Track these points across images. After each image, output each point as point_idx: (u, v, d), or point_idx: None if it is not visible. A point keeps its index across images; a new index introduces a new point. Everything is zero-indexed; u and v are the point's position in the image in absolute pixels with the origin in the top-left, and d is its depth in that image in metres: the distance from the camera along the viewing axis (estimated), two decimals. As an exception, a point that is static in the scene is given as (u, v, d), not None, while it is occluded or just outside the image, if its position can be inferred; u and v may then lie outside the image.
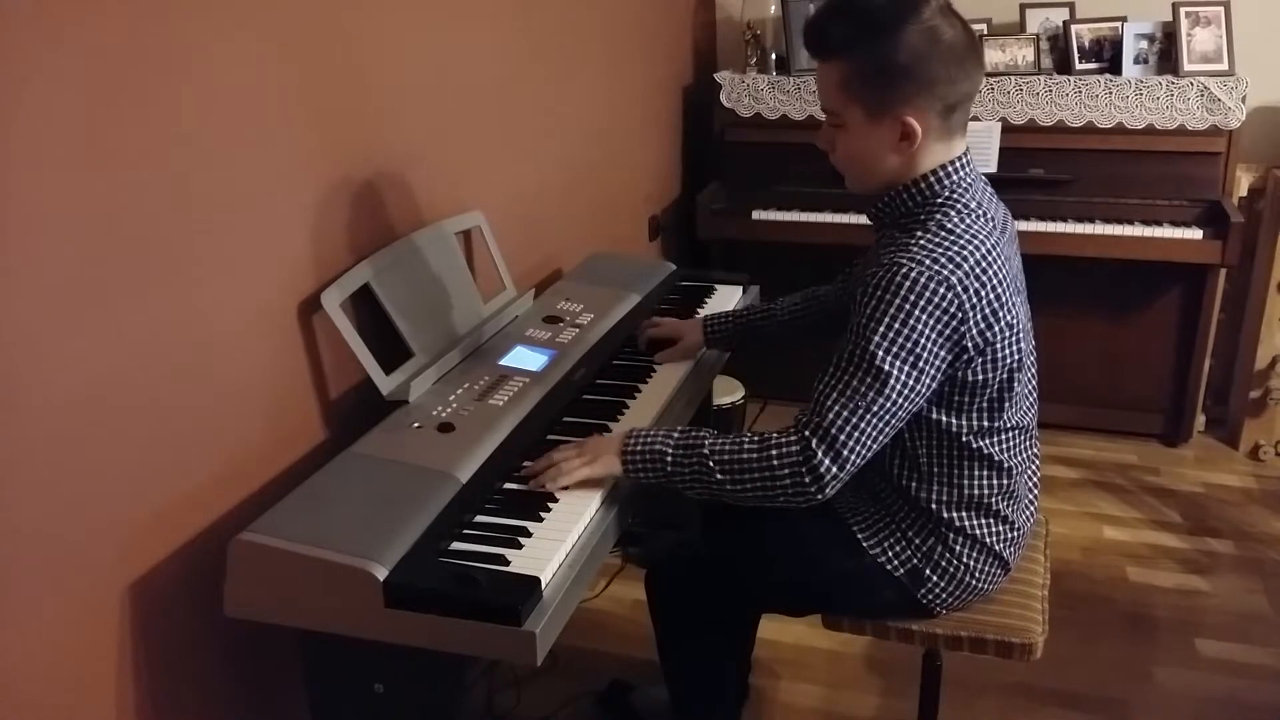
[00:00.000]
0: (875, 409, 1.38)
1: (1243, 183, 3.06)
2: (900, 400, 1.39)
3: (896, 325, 1.37)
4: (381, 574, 1.25)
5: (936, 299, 1.36)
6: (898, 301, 1.37)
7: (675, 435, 1.49)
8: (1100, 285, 3.12)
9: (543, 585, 1.27)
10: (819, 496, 1.42)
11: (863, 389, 1.38)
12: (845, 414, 1.39)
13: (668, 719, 1.90)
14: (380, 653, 1.32)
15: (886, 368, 1.37)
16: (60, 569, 1.24)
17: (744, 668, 2.08)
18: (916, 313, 1.36)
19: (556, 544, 1.36)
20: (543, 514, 1.43)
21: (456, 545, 1.36)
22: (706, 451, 1.45)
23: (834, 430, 1.39)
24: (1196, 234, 2.85)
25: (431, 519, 1.37)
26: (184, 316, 1.40)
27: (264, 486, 1.57)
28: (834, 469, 1.39)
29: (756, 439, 1.44)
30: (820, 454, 1.39)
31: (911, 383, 1.39)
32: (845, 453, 1.39)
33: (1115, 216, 2.95)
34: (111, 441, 1.30)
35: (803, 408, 1.45)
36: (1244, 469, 3.09)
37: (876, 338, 1.37)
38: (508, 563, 1.32)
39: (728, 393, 2.85)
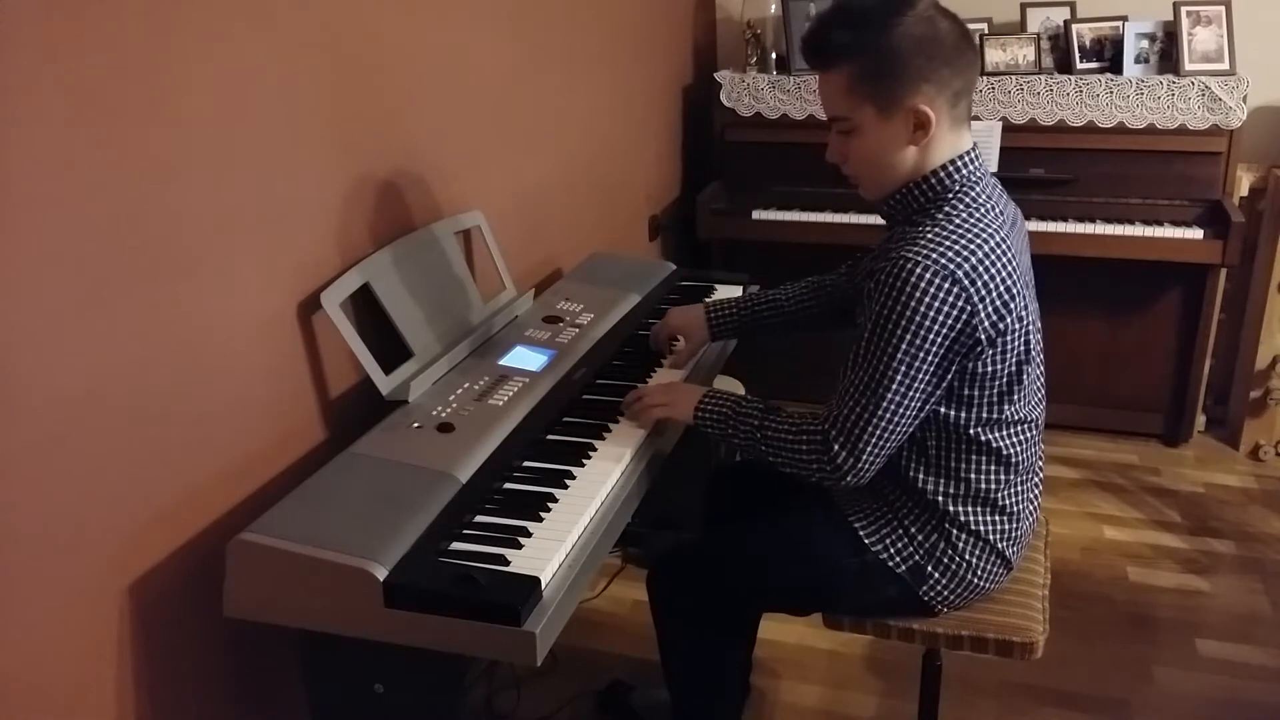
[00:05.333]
0: (892, 405, 1.43)
1: (1243, 182, 3.06)
2: (916, 395, 1.43)
3: (905, 321, 1.39)
4: (381, 574, 1.25)
5: (943, 293, 1.38)
6: (905, 297, 1.38)
7: (743, 403, 1.60)
8: (1100, 285, 3.12)
9: (543, 585, 1.27)
10: (841, 483, 1.49)
11: (877, 386, 1.42)
12: (859, 410, 1.44)
13: (667, 719, 1.90)
14: (380, 653, 1.32)
15: (897, 364, 1.40)
16: (60, 569, 1.24)
17: (745, 667, 2.08)
18: (924, 308, 1.38)
19: (556, 544, 1.36)
20: (543, 514, 1.43)
21: (456, 545, 1.36)
22: (757, 423, 1.56)
23: (848, 423, 1.45)
24: (1197, 234, 2.85)
25: (431, 519, 1.37)
26: (184, 317, 1.40)
27: (264, 486, 1.57)
28: (852, 461, 1.46)
29: (795, 422, 1.53)
30: (836, 445, 1.46)
31: (925, 378, 1.42)
32: (863, 446, 1.45)
33: (1116, 216, 2.95)
34: (112, 441, 1.30)
35: (830, 399, 1.50)
36: (1244, 469, 3.09)
37: (888, 334, 1.40)
38: (508, 563, 1.32)
39: (728, 392, 2.85)
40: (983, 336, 1.42)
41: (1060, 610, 2.15)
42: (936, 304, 1.38)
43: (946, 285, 1.38)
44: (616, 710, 2.12)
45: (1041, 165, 3.04)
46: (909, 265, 1.39)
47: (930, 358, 1.40)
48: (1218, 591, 2.51)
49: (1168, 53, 3.03)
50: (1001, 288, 1.42)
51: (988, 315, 1.41)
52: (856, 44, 1.44)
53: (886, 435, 1.44)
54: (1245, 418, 3.13)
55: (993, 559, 1.59)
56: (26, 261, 1.17)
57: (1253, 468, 3.10)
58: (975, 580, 1.58)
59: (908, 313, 1.38)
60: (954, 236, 1.41)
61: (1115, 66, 3.07)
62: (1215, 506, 2.88)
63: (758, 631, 2.03)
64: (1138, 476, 3.05)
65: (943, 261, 1.38)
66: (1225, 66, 2.94)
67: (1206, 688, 2.18)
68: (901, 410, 1.43)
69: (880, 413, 1.43)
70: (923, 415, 1.47)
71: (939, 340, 1.40)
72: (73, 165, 1.21)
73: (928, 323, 1.38)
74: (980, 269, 1.40)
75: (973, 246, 1.41)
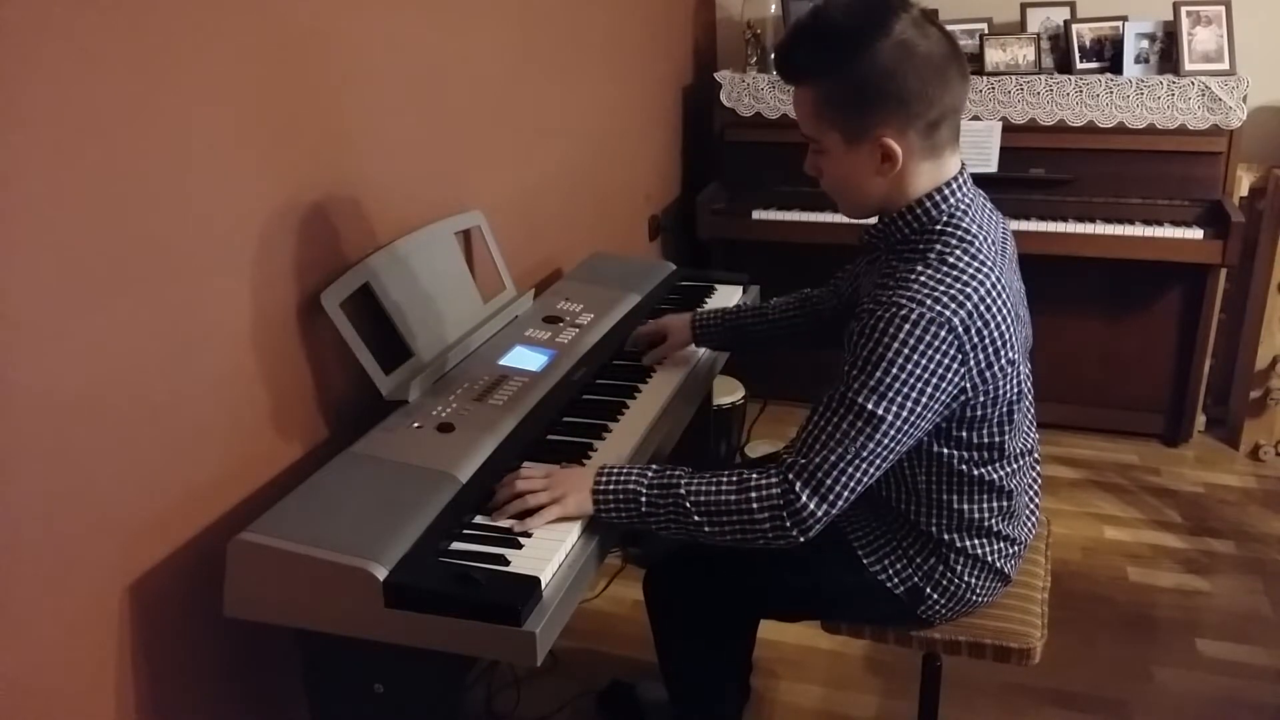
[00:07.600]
0: (865, 453, 1.33)
1: (1243, 182, 3.05)
2: (890, 444, 1.34)
3: (894, 370, 1.31)
4: (381, 574, 1.25)
5: (936, 342, 1.30)
6: (896, 345, 1.30)
7: (650, 474, 1.42)
8: (1100, 285, 3.12)
9: (543, 585, 1.27)
10: (800, 539, 1.37)
11: (853, 433, 1.33)
12: (833, 458, 1.34)
13: (668, 718, 1.90)
14: (380, 653, 1.32)
15: (880, 413, 1.32)
16: (60, 569, 1.24)
17: (744, 668, 2.08)
18: (915, 357, 1.30)
19: (557, 544, 1.36)
20: (543, 514, 1.43)
21: (456, 545, 1.36)
22: (683, 492, 1.39)
23: (819, 474, 1.34)
24: (1197, 234, 2.85)
25: (431, 519, 1.37)
26: (184, 317, 1.40)
27: (264, 486, 1.57)
28: (817, 512, 1.35)
29: (735, 478, 1.39)
30: (804, 497, 1.35)
31: (905, 426, 1.34)
32: (830, 496, 1.35)
33: (1116, 216, 2.95)
34: (111, 441, 1.30)
35: (788, 446, 1.41)
36: (1244, 469, 3.09)
37: (872, 382, 1.32)
38: (508, 563, 1.32)
39: (728, 393, 2.85)
40: (969, 385, 1.36)
41: (1060, 611, 2.15)
42: (930, 351, 1.30)
43: (942, 334, 1.30)
44: (617, 710, 2.12)
45: (1041, 165, 3.04)
46: (902, 311, 1.30)
47: (917, 408, 1.32)
48: (1218, 591, 2.51)
49: (1168, 53, 3.03)
50: (995, 335, 1.34)
51: (976, 364, 1.35)
52: (824, 67, 1.35)
53: (859, 482, 1.35)
54: (1245, 418, 3.13)
55: (991, 577, 1.58)
56: (26, 263, 1.17)
57: (1253, 468, 3.10)
58: (972, 598, 1.57)
59: (900, 360, 1.30)
60: (950, 278, 1.33)
61: (1115, 66, 3.07)
62: (1215, 506, 2.88)
63: (757, 632, 2.03)
64: (1138, 476, 3.05)
65: (938, 308, 1.30)
66: (1225, 66, 2.94)
67: (1206, 688, 2.18)
68: (878, 459, 1.34)
69: (858, 461, 1.33)
70: (897, 459, 1.38)
71: (928, 390, 1.32)
72: (71, 165, 1.21)
73: (919, 371, 1.31)
74: (976, 314, 1.32)
75: (970, 289, 1.32)
